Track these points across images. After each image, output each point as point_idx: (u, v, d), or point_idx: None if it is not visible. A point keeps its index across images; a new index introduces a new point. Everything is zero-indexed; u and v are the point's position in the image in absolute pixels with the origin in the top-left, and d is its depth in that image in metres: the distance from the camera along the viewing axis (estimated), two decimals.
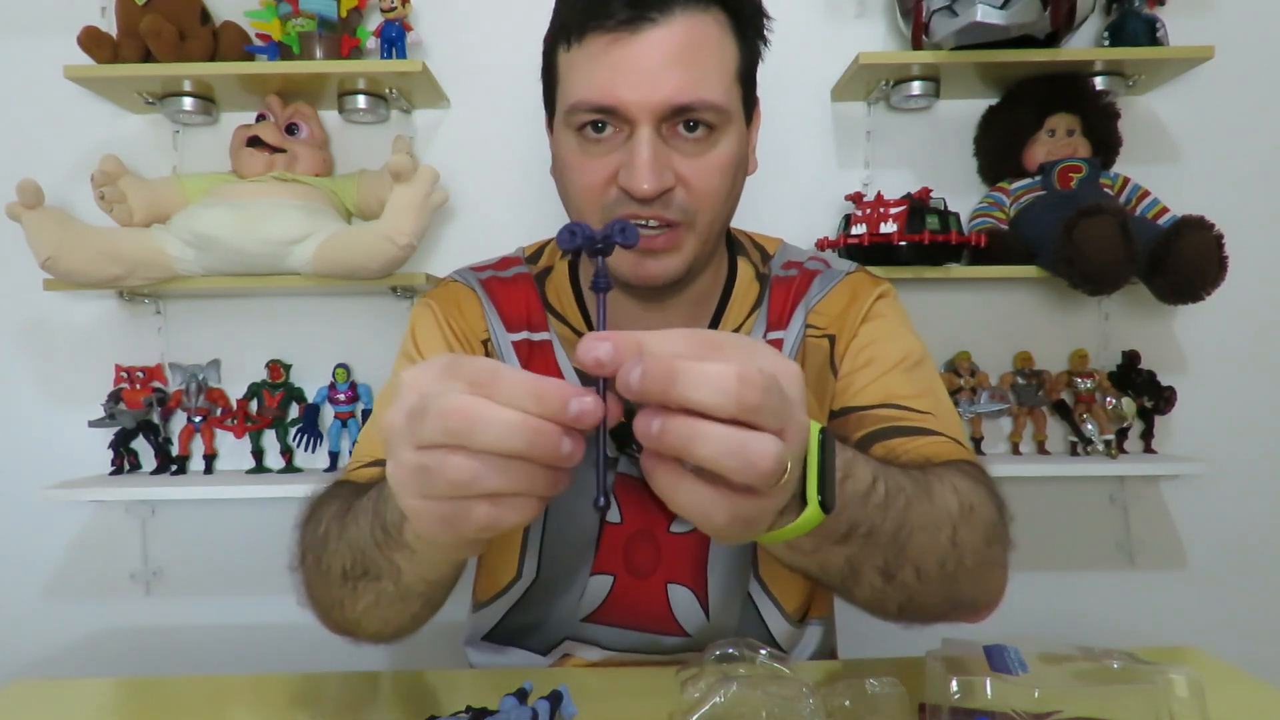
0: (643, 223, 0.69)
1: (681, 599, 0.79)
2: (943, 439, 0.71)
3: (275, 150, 1.34)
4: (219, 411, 1.46)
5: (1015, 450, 1.49)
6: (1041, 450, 1.48)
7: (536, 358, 0.81)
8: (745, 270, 0.83)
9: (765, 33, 0.74)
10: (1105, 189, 1.38)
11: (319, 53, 1.33)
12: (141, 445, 1.46)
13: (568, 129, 0.70)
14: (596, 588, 0.79)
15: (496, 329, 0.83)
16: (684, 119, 0.67)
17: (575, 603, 0.80)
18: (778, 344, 0.79)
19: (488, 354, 0.81)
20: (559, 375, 0.79)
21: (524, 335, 0.82)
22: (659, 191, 0.67)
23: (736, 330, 0.80)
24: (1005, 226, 1.40)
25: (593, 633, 0.80)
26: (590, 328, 0.82)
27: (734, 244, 0.86)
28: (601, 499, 0.40)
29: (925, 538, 0.55)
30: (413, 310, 0.86)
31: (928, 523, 0.55)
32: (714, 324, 0.81)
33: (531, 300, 0.84)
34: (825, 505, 0.44)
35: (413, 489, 0.39)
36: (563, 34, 0.69)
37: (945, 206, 1.35)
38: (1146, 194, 1.39)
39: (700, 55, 0.66)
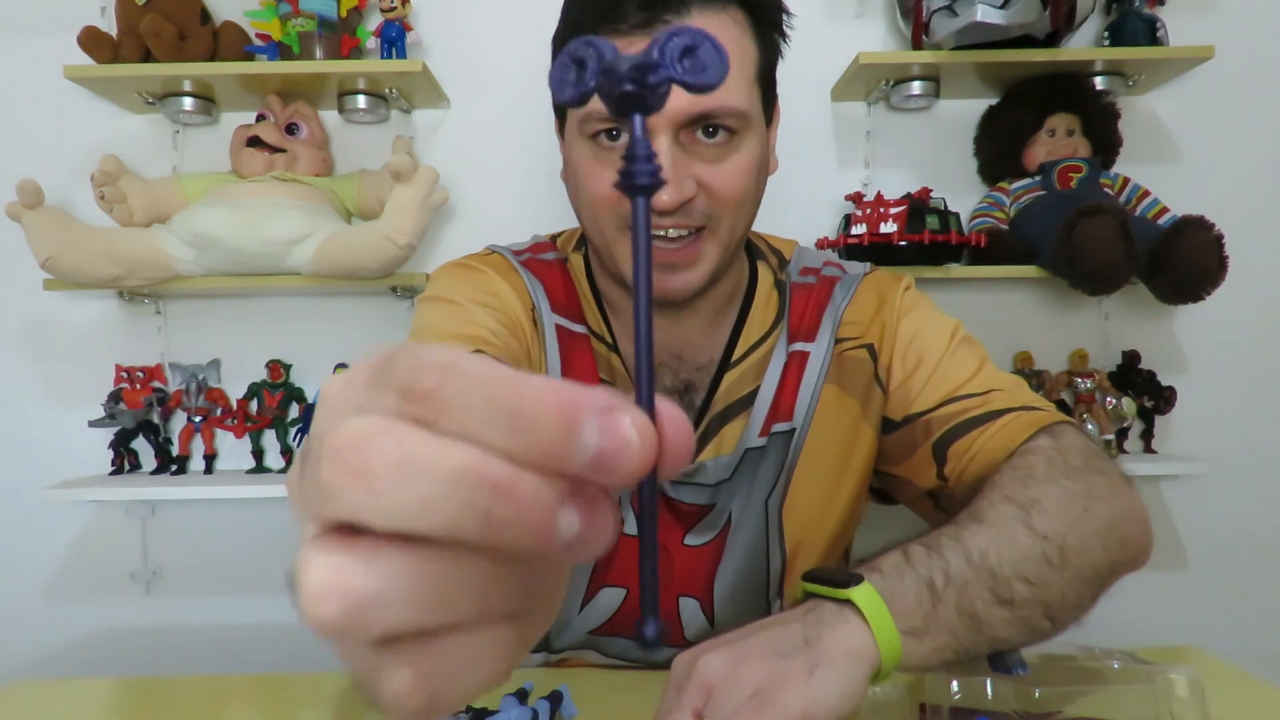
0: (661, 233, 0.67)
1: (689, 610, 0.77)
2: (1011, 416, 0.70)
3: (275, 150, 1.34)
4: (219, 411, 1.46)
5: None
6: None
7: (575, 351, 0.77)
8: (765, 277, 0.81)
9: (785, 29, 0.72)
10: (1105, 189, 1.38)
11: (319, 53, 1.33)
12: (141, 445, 1.46)
13: (581, 136, 0.67)
14: (608, 600, 0.77)
15: (541, 303, 0.77)
16: (704, 125, 0.65)
17: (576, 612, 0.78)
18: (804, 357, 0.77)
19: (536, 330, 0.76)
20: (596, 382, 0.76)
21: (564, 322, 0.78)
22: (680, 203, 0.65)
23: (761, 341, 0.78)
24: (1005, 226, 1.40)
25: (601, 644, 0.79)
26: (611, 335, 0.77)
27: (751, 248, 0.83)
28: (650, 627, 0.22)
29: (1004, 551, 0.55)
30: (438, 275, 0.80)
31: (996, 538, 0.56)
32: (735, 333, 0.78)
33: (569, 288, 0.80)
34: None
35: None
36: (572, 36, 0.67)
37: (945, 206, 1.35)
38: (1146, 194, 1.39)
39: None
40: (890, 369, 0.76)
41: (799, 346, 0.78)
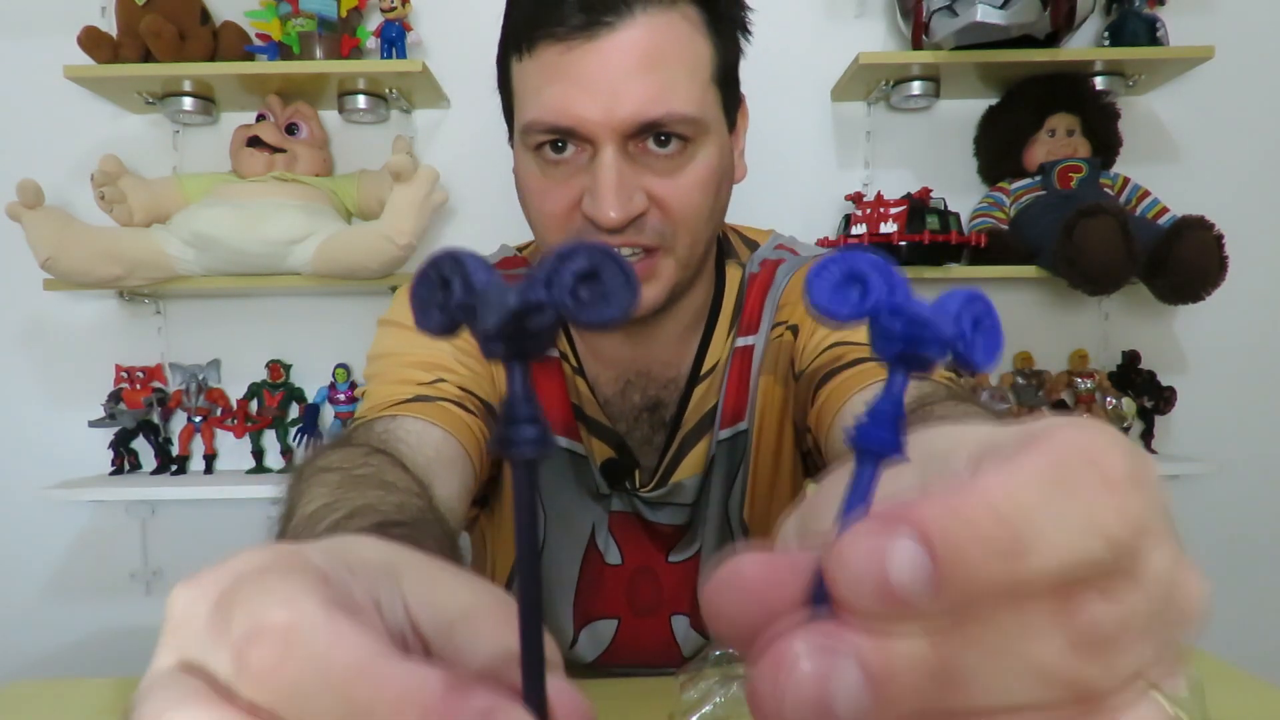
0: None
1: (682, 628, 0.76)
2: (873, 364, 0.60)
3: (275, 150, 1.34)
4: (219, 411, 1.46)
5: None
6: None
7: (544, 376, 0.72)
8: (733, 276, 0.74)
9: (746, 24, 0.65)
10: (1105, 189, 1.38)
11: (319, 53, 1.33)
12: (142, 445, 1.46)
13: (525, 150, 0.61)
14: (601, 632, 0.76)
15: None
16: (653, 134, 0.59)
17: (567, 649, 0.75)
18: (749, 351, 0.71)
19: None
20: (566, 407, 0.71)
21: None
22: (627, 219, 0.59)
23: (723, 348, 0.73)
24: (1005, 226, 1.40)
25: (601, 672, 0.77)
26: (576, 357, 0.72)
27: (722, 247, 0.76)
28: None
29: None
30: (399, 296, 0.74)
31: None
32: (704, 344, 0.72)
33: None
34: None
35: None
36: (512, 42, 0.61)
37: (945, 206, 1.35)
38: (1146, 194, 1.39)
39: (667, 60, 0.58)
40: (805, 345, 0.68)
41: (743, 341, 0.72)
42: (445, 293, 0.17)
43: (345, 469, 0.46)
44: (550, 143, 0.60)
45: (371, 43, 1.37)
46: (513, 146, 0.66)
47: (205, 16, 1.35)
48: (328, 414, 1.47)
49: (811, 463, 0.73)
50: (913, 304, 0.18)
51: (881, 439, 0.17)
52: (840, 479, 0.21)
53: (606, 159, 0.58)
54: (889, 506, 0.15)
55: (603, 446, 0.72)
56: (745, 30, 0.66)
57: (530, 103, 0.60)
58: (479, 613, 0.19)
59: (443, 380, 0.63)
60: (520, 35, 0.60)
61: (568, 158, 0.60)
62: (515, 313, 0.16)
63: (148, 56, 1.31)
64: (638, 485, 0.73)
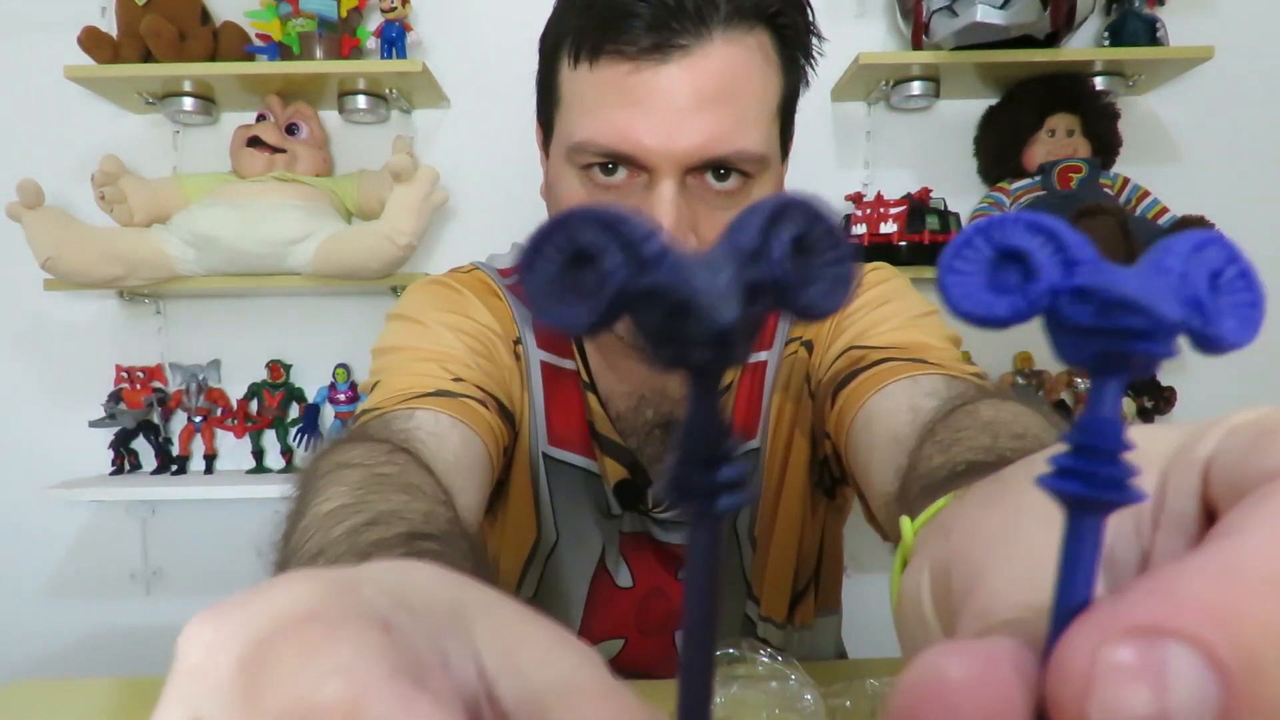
0: None
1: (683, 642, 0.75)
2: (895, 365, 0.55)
3: (275, 150, 1.34)
4: (219, 411, 1.46)
5: None
6: None
7: (560, 389, 0.69)
8: None
9: (814, 54, 0.62)
10: (1105, 189, 1.38)
11: (319, 53, 1.33)
12: (142, 445, 1.46)
13: (570, 165, 0.57)
14: (604, 652, 0.74)
15: (527, 338, 0.69)
16: (714, 168, 0.56)
17: None
18: (761, 366, 0.69)
19: (518, 360, 0.69)
20: (583, 423, 0.69)
21: (550, 358, 0.69)
22: None
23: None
24: None
25: None
26: (588, 371, 0.68)
27: None
28: None
29: None
30: (410, 291, 0.70)
31: None
32: None
33: None
34: None
35: None
36: (569, 47, 0.56)
37: (945, 206, 1.36)
38: (1146, 194, 1.39)
39: (739, 93, 0.54)
40: (822, 359, 0.65)
41: (756, 357, 0.70)
42: (593, 270, 0.12)
43: (367, 466, 0.43)
44: (601, 164, 0.56)
45: (371, 43, 1.37)
46: (545, 150, 0.62)
47: (205, 16, 1.35)
48: (328, 414, 1.47)
49: (828, 472, 0.70)
50: (1106, 277, 0.11)
51: (1103, 481, 0.11)
52: (981, 506, 0.15)
53: (666, 193, 0.54)
54: (1134, 597, 0.11)
55: (615, 466, 0.70)
56: (813, 62, 0.62)
57: (585, 120, 0.55)
58: (581, 693, 0.15)
59: (461, 379, 0.61)
60: (580, 43, 0.55)
61: (618, 182, 0.56)
62: (744, 302, 0.11)
63: (148, 56, 1.31)
64: (650, 506, 0.71)
